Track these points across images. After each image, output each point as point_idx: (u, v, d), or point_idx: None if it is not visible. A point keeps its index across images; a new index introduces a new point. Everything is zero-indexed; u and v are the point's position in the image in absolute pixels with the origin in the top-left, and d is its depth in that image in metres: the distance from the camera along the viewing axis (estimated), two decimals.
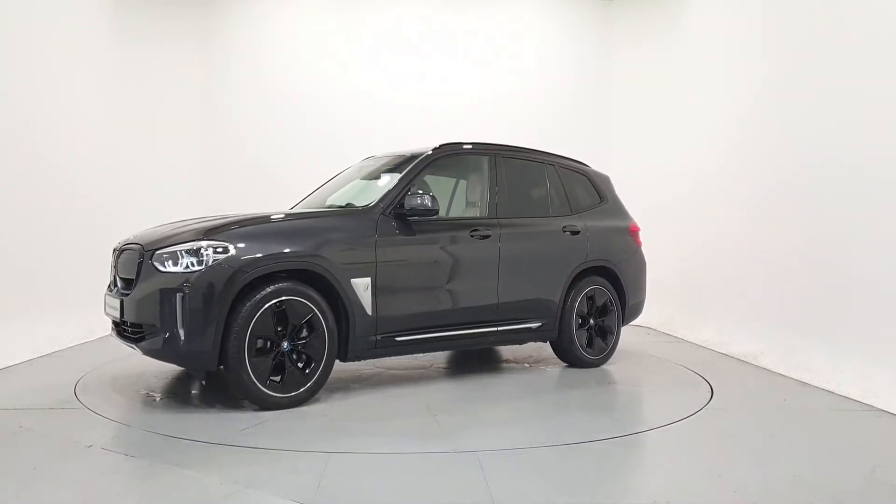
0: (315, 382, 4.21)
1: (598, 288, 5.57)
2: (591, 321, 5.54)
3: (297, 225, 4.32)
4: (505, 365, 5.71)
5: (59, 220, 6.49)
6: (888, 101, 4.59)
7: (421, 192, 4.62)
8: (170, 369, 5.08)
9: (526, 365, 5.64)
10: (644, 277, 6.05)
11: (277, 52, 8.85)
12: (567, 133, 8.59)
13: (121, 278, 4.37)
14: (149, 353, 4.06)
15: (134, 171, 8.00)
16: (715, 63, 7.19)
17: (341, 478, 3.00)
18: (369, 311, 4.38)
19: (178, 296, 3.87)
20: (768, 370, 5.55)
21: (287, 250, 4.11)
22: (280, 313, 4.06)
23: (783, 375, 5.33)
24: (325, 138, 8.63)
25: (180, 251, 3.96)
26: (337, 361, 4.34)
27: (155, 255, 4.02)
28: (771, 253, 5.95)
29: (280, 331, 4.07)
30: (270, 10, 8.86)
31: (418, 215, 4.60)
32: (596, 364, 5.51)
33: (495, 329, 5.03)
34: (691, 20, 7.88)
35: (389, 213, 4.58)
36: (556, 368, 5.50)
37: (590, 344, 5.53)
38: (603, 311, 5.62)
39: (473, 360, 5.88)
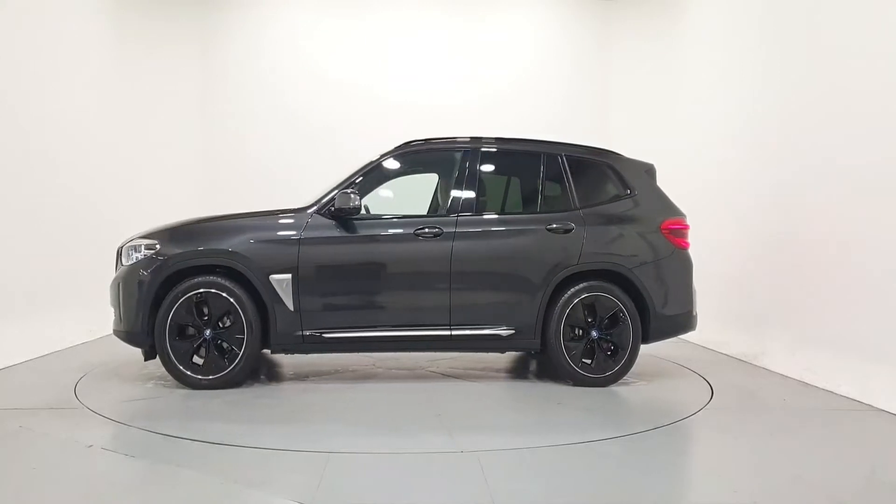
0: (233, 369, 4.56)
1: (600, 295, 4.82)
2: (594, 333, 4.83)
3: (223, 225, 4.74)
4: (505, 369, 5.71)
5: (59, 220, 6.50)
6: (886, 103, 4.59)
7: (349, 191, 4.65)
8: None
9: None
10: (685, 284, 5.04)
11: (277, 51, 8.86)
12: (566, 131, 8.58)
13: None
14: (113, 332, 4.81)
15: (134, 171, 8.01)
16: (714, 61, 7.18)
17: (341, 478, 3.00)
18: (291, 307, 4.57)
19: (119, 285, 4.65)
20: (768, 370, 5.55)
21: (202, 248, 4.60)
22: (201, 304, 4.56)
23: (783, 375, 5.33)
24: (325, 137, 8.65)
25: (130, 247, 4.70)
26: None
27: (122, 251, 4.78)
28: (771, 253, 5.95)
29: (206, 320, 4.57)
30: (270, 10, 8.87)
31: (347, 214, 4.68)
32: (598, 383, 4.80)
33: (448, 333, 4.72)
34: (690, 19, 7.88)
35: (324, 212, 4.72)
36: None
37: (592, 360, 4.85)
38: (613, 322, 4.86)
39: (474, 364, 5.87)
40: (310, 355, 5.73)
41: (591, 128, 8.87)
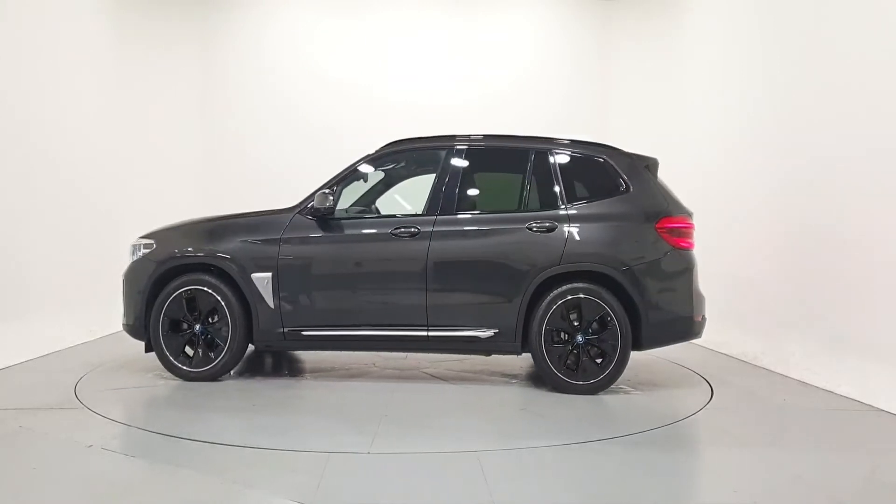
0: (217, 363, 4.74)
1: (586, 298, 4.57)
2: (579, 338, 4.60)
3: (213, 226, 4.96)
4: (510, 373, 5.71)
5: (59, 220, 6.49)
6: (888, 102, 4.59)
7: (327, 191, 4.73)
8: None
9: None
10: (685, 287, 4.69)
11: (277, 51, 8.86)
12: (566, 131, 8.58)
13: None
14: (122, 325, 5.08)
15: (134, 171, 8.01)
16: (714, 60, 7.18)
17: (341, 478, 3.00)
18: (271, 304, 4.71)
19: (124, 281, 4.96)
20: (768, 370, 5.55)
21: (190, 248, 4.84)
22: (191, 300, 4.77)
23: (783, 375, 5.33)
24: (325, 137, 8.64)
25: (134, 246, 4.99)
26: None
27: (131, 249, 5.03)
28: (771, 253, 5.95)
29: (196, 315, 4.77)
30: (270, 10, 8.87)
31: (325, 214, 4.78)
32: (582, 391, 4.56)
33: (426, 334, 4.66)
34: (690, 18, 7.87)
35: (306, 212, 4.82)
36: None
37: (576, 365, 4.61)
38: (602, 327, 4.60)
39: (476, 365, 5.87)
40: (317, 353, 5.81)
41: (591, 128, 8.85)
